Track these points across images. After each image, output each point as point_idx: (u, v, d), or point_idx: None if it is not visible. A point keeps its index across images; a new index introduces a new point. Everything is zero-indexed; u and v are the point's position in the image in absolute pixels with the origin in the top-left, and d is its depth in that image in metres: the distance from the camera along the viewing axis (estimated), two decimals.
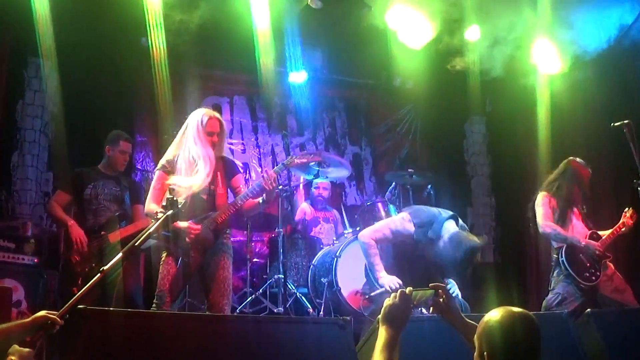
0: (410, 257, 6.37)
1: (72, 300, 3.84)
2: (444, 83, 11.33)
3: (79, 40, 9.00)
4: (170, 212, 4.82)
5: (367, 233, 6.35)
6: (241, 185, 6.27)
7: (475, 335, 3.13)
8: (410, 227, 6.25)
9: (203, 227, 5.87)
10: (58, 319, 3.71)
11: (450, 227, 6.17)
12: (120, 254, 4.30)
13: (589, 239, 7.38)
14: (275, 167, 6.31)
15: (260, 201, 6.08)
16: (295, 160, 6.46)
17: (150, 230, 4.55)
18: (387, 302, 3.47)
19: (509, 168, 11.81)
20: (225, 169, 6.26)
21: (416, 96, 12.18)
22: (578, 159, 7.73)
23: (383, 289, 6.01)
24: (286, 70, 10.43)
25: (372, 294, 6.15)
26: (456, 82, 11.00)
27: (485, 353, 3.01)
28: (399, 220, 6.38)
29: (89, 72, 9.23)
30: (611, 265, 7.45)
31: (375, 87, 12.16)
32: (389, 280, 6.04)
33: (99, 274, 4.14)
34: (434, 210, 6.47)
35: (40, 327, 3.67)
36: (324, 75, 11.49)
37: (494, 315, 3.08)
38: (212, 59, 10.62)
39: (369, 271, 6.38)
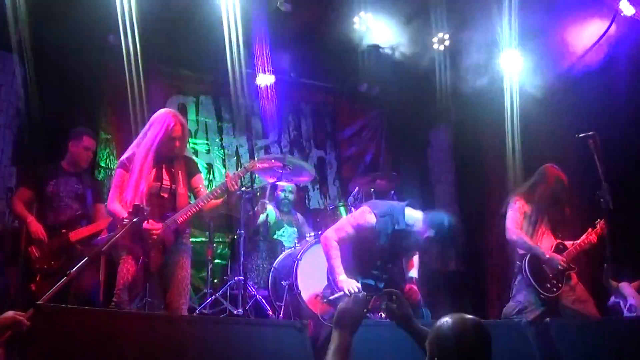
0: (371, 250, 6.41)
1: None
2: (410, 90, 11.40)
3: (46, 36, 8.93)
4: (136, 219, 4.82)
5: (330, 234, 6.36)
6: (200, 186, 6.30)
7: (427, 341, 3.16)
8: (372, 219, 6.31)
9: (164, 227, 5.87)
10: (25, 320, 3.69)
11: (413, 213, 6.33)
12: (86, 258, 4.30)
13: (554, 250, 7.42)
14: (237, 170, 6.33)
15: (221, 203, 6.10)
16: (257, 165, 6.50)
17: (117, 237, 4.55)
18: (340, 306, 3.49)
19: (474, 176, 11.85)
20: (186, 168, 6.28)
21: (382, 102, 12.25)
22: (555, 166, 7.77)
23: (342, 293, 6.02)
24: (253, 72, 10.41)
25: (331, 297, 6.15)
26: (422, 89, 11.06)
27: (436, 358, 3.04)
28: (359, 214, 6.43)
29: (55, 67, 9.15)
30: (574, 275, 7.48)
31: (342, 92, 12.18)
32: (348, 284, 6.03)
33: (65, 277, 4.13)
34: (390, 202, 6.56)
35: (7, 327, 3.65)
36: (291, 78, 11.48)
37: (446, 321, 3.11)
38: (180, 58, 10.58)
39: (329, 274, 6.39)
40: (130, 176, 5.99)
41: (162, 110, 6.34)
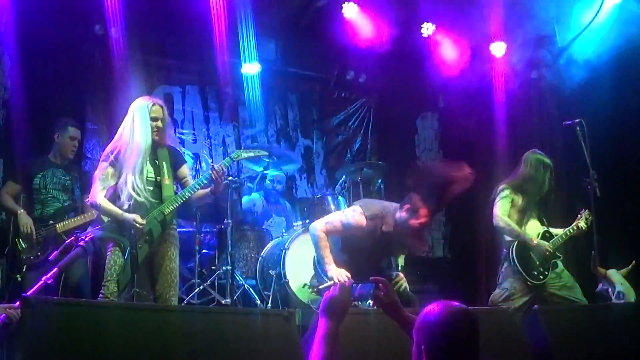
0: (358, 247, 6.39)
1: None
2: (397, 78, 11.39)
3: (32, 26, 8.87)
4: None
5: (319, 225, 6.33)
6: (188, 176, 6.28)
7: (415, 328, 3.16)
8: (362, 220, 6.25)
9: (150, 219, 5.87)
10: (16, 314, 3.68)
11: (405, 214, 6.24)
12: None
13: (541, 238, 7.43)
14: (223, 160, 6.32)
15: (209, 193, 6.10)
16: (243, 154, 6.51)
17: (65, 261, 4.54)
18: (327, 294, 3.48)
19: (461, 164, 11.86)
20: (171, 158, 6.26)
21: (369, 90, 12.24)
22: (539, 151, 7.77)
23: (331, 282, 6.02)
24: (239, 61, 10.38)
25: (321, 286, 6.15)
26: (409, 77, 11.05)
27: (422, 347, 3.04)
28: (350, 213, 6.38)
29: (41, 58, 9.10)
30: (560, 262, 7.50)
31: (328, 80, 12.16)
32: (337, 273, 6.04)
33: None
34: (383, 202, 6.53)
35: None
36: (277, 67, 11.45)
37: (433, 309, 3.11)
38: (166, 47, 10.55)
39: (318, 263, 6.38)
40: (117, 171, 5.98)
41: (138, 99, 6.33)
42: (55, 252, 4.67)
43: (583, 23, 9.52)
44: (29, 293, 3.90)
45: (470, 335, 3.04)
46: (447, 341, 3.00)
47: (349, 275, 6.07)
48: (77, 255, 4.58)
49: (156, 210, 5.96)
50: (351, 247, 6.41)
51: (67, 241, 4.84)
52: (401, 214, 6.11)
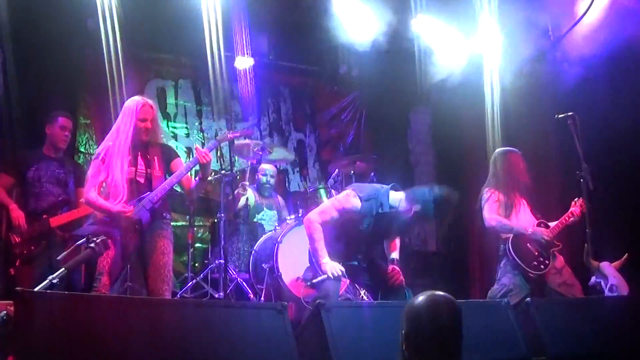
0: (355, 234, 6.40)
1: None
2: (389, 72, 11.40)
3: (24, 20, 8.86)
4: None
5: (314, 216, 6.32)
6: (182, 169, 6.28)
7: (402, 318, 3.24)
8: (357, 203, 6.27)
9: (137, 208, 5.88)
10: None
11: (396, 195, 6.34)
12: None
13: (536, 227, 7.47)
14: (207, 144, 6.34)
15: (198, 180, 6.13)
16: (228, 135, 6.56)
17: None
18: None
19: (454, 158, 11.86)
20: (162, 154, 6.27)
21: (361, 84, 12.24)
22: (505, 148, 7.83)
23: (325, 276, 6.02)
24: (232, 55, 10.37)
25: (315, 280, 6.14)
26: (402, 71, 11.05)
27: (409, 333, 3.13)
28: (343, 198, 6.39)
29: (33, 52, 9.08)
30: (561, 258, 7.50)
31: (321, 74, 12.18)
32: (331, 267, 6.04)
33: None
34: (374, 185, 6.57)
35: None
36: (269, 61, 11.47)
37: (420, 298, 3.27)
38: (158, 42, 10.53)
39: (312, 257, 6.37)
40: (108, 169, 5.99)
41: (130, 99, 6.34)
42: (63, 253, 4.69)
43: (576, 16, 9.52)
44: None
45: (455, 322, 3.20)
46: (433, 327, 3.16)
47: (343, 269, 6.09)
48: (87, 257, 4.60)
49: (145, 199, 5.96)
50: (348, 233, 6.42)
51: (77, 242, 4.84)
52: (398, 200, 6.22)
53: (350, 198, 6.31)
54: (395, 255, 6.76)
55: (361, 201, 6.26)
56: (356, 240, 6.43)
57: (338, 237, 6.42)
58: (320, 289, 6.08)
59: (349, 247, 6.44)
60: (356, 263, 6.52)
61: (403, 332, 3.25)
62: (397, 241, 6.88)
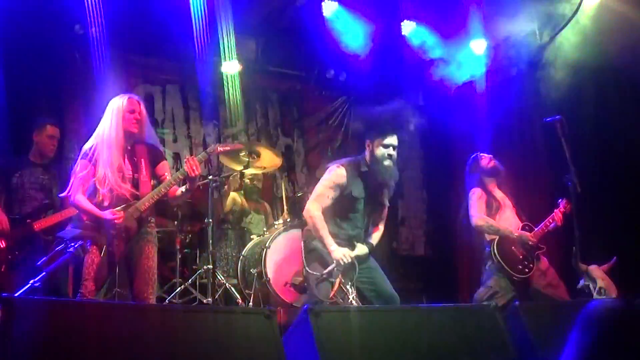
0: (355, 205, 6.48)
1: None
2: (376, 76, 11.39)
3: (11, 25, 8.83)
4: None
5: (312, 206, 6.36)
6: (166, 173, 6.21)
7: None
8: (342, 171, 6.43)
9: (126, 216, 5.83)
10: None
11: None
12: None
13: (521, 230, 7.49)
14: (198, 155, 6.28)
15: (184, 190, 6.07)
16: (219, 149, 6.49)
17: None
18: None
19: (442, 162, 11.89)
20: (149, 155, 6.20)
21: (349, 89, 12.23)
22: (480, 154, 7.89)
23: (334, 265, 6.04)
24: (220, 59, 10.36)
25: (325, 271, 6.11)
26: (389, 75, 11.06)
27: None
28: (330, 175, 6.51)
29: (20, 58, 9.05)
30: (545, 259, 7.55)
31: (309, 79, 12.16)
32: (340, 254, 6.07)
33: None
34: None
35: None
36: (257, 65, 11.44)
37: None
38: (146, 47, 10.51)
39: (322, 245, 6.28)
40: (95, 167, 5.94)
41: (114, 97, 6.31)
42: (44, 258, 4.67)
43: (563, 20, 9.54)
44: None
45: None
46: None
47: (352, 255, 6.14)
48: (66, 262, 4.58)
49: (132, 207, 5.91)
50: (348, 208, 6.48)
51: (56, 248, 4.82)
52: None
53: (335, 171, 6.45)
54: (374, 240, 6.70)
55: (344, 168, 6.45)
56: (356, 214, 6.47)
57: (341, 216, 6.47)
58: (311, 293, 6.10)
59: (353, 224, 6.47)
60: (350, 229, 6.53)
61: None
62: (381, 227, 6.84)
